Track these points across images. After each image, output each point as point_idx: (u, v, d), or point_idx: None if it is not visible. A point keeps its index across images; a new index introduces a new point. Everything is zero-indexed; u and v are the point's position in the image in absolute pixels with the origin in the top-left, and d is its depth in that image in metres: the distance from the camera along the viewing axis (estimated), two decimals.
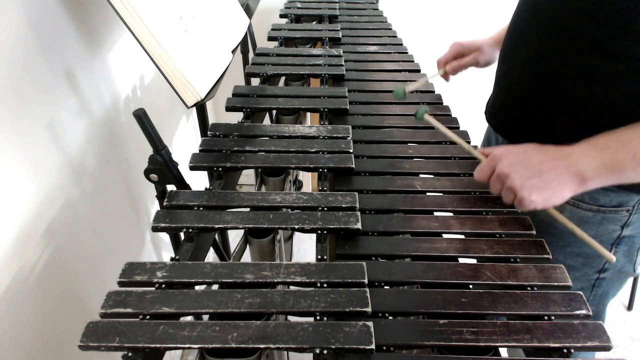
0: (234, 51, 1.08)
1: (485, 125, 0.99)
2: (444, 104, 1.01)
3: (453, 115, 0.98)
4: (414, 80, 1.06)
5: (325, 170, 0.81)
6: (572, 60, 0.70)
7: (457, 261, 0.66)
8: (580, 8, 0.67)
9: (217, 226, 0.69)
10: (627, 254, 0.79)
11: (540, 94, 0.76)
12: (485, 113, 0.93)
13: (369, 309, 0.56)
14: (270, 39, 1.29)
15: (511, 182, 0.62)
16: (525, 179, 0.62)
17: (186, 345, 0.52)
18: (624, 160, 0.59)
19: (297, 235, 1.71)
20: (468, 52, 0.99)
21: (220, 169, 0.81)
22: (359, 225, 0.69)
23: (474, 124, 1.05)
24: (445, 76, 1.03)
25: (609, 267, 0.81)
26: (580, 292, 0.61)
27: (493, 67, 0.91)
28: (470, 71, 1.07)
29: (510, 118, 0.85)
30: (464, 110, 1.18)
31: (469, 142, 0.91)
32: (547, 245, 0.67)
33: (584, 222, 0.76)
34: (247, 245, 0.81)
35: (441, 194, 0.78)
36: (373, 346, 0.52)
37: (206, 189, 0.76)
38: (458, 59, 1.00)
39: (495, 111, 0.89)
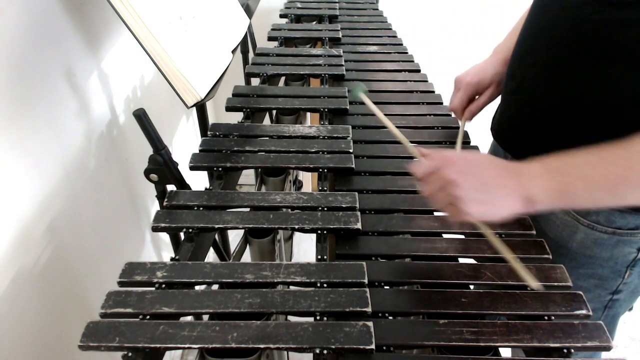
0: (234, 51, 1.08)
1: (484, 125, 0.98)
2: (444, 104, 1.01)
3: (453, 116, 0.98)
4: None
5: (325, 170, 0.81)
6: (582, 80, 0.67)
7: (457, 261, 0.66)
8: (590, 28, 0.65)
9: (217, 226, 0.69)
10: None
11: (551, 112, 0.74)
12: (492, 130, 0.90)
13: (369, 309, 0.56)
14: (270, 39, 1.29)
15: (455, 191, 0.57)
16: (470, 191, 0.57)
17: (186, 345, 0.52)
18: (576, 187, 0.56)
19: (297, 235, 1.71)
20: (481, 89, 0.91)
21: (220, 169, 0.81)
22: (359, 225, 0.69)
23: (474, 124, 1.04)
24: (467, 120, 0.95)
25: (623, 289, 0.79)
26: (581, 292, 0.61)
27: None
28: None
29: (519, 136, 0.82)
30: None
31: (468, 143, 0.91)
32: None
33: (599, 244, 0.75)
34: (247, 245, 0.81)
35: None
36: (373, 346, 0.52)
37: (206, 189, 0.76)
38: (474, 101, 0.92)
39: (503, 128, 0.86)
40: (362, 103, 0.74)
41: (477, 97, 0.92)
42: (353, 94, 0.75)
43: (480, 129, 1.03)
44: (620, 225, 0.72)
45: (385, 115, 0.92)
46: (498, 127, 0.87)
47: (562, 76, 0.70)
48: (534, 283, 0.60)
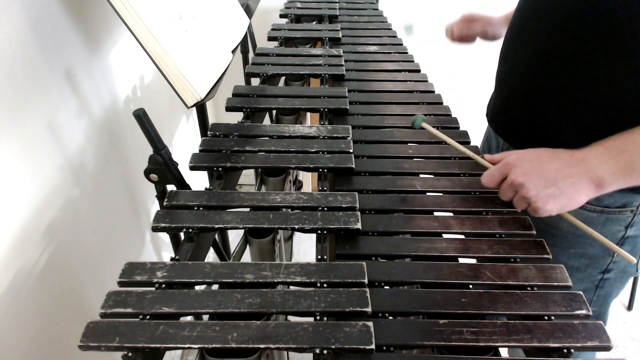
0: (234, 51, 1.08)
1: (484, 125, 0.99)
2: (444, 104, 1.01)
3: (453, 116, 0.98)
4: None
5: (325, 170, 0.81)
6: (574, 60, 0.70)
7: (457, 261, 0.66)
8: (581, 7, 0.66)
9: (217, 226, 0.69)
10: (631, 253, 0.79)
11: (542, 95, 0.75)
12: (487, 115, 0.93)
13: (369, 309, 0.56)
14: (270, 39, 1.29)
15: (526, 192, 0.61)
16: (540, 189, 0.61)
17: (186, 345, 0.52)
18: None
19: (297, 235, 1.71)
20: (476, 20, 1.01)
21: (220, 169, 0.81)
22: (359, 225, 0.69)
23: (474, 124, 1.05)
24: (452, 35, 1.06)
25: (613, 268, 0.80)
26: (581, 292, 0.61)
27: (493, 68, 0.91)
28: (470, 71, 1.07)
29: (511, 120, 0.85)
30: (464, 110, 1.18)
31: (468, 143, 0.91)
32: (550, 247, 0.67)
33: (588, 223, 0.76)
34: (247, 245, 0.81)
35: (441, 194, 0.78)
36: (373, 346, 0.52)
37: (206, 189, 0.76)
38: (467, 23, 1.02)
39: (496, 113, 0.89)
40: (422, 128, 0.80)
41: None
42: (415, 125, 0.79)
43: (475, 115, 1.06)
44: (607, 204, 0.74)
45: (385, 115, 0.93)
46: (492, 112, 0.89)
47: (555, 58, 0.72)
48: (629, 257, 0.64)
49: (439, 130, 0.79)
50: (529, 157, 0.64)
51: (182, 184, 0.79)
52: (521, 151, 0.66)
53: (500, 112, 0.87)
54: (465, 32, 1.01)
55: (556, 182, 0.61)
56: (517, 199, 0.64)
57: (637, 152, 0.59)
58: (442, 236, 0.70)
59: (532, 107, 0.78)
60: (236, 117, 0.96)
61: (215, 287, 0.62)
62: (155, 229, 0.69)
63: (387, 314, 0.58)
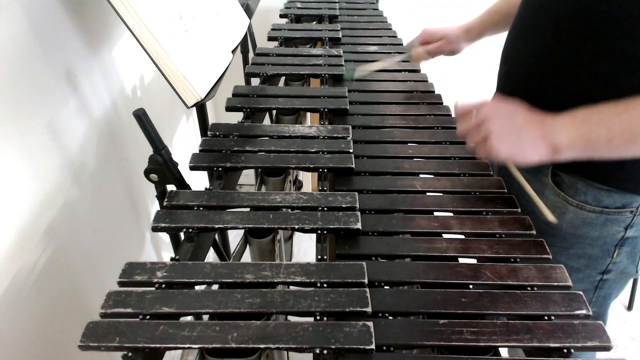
0: (234, 51, 1.08)
1: None
2: (444, 104, 1.01)
3: (453, 116, 0.98)
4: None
5: (325, 170, 0.81)
6: (575, 60, 0.70)
7: (457, 261, 0.66)
8: (581, 7, 0.66)
9: (217, 226, 0.69)
10: (631, 255, 0.79)
11: (544, 94, 0.75)
12: None
13: (369, 309, 0.56)
14: (270, 39, 1.29)
15: (490, 127, 0.65)
16: (504, 130, 0.64)
17: (186, 345, 0.52)
18: (599, 134, 0.61)
19: (297, 235, 1.71)
20: (434, 40, 1.04)
21: (220, 169, 0.81)
22: (359, 225, 0.69)
23: None
24: (410, 58, 1.10)
25: (612, 269, 0.80)
26: (581, 292, 0.61)
27: (493, 68, 0.91)
28: (470, 70, 1.07)
29: None
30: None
31: None
32: (550, 247, 0.67)
33: (588, 223, 0.77)
34: (247, 245, 0.81)
35: (441, 194, 0.78)
36: (373, 346, 0.52)
37: (206, 189, 0.76)
38: (424, 46, 1.06)
39: None
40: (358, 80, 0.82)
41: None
42: (346, 77, 0.80)
43: None
44: (607, 205, 0.74)
45: (385, 115, 0.93)
46: None
47: (556, 57, 0.72)
48: (551, 217, 0.68)
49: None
50: (507, 103, 0.68)
51: (182, 184, 0.79)
52: (501, 99, 0.70)
53: None
54: (422, 55, 1.07)
55: (520, 131, 0.65)
56: (477, 130, 0.66)
57: (598, 126, 0.61)
58: (442, 236, 0.70)
59: (534, 107, 0.77)
60: (236, 117, 0.96)
61: (215, 287, 0.62)
62: (155, 229, 0.69)
63: (387, 314, 0.58)
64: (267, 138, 0.87)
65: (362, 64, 1.09)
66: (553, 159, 0.64)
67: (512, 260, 0.66)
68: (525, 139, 0.64)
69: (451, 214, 0.74)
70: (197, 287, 0.61)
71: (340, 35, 1.29)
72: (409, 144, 0.89)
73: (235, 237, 1.60)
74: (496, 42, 0.94)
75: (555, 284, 0.62)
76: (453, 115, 0.74)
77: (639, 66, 0.64)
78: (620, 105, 0.61)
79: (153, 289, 0.60)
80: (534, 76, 0.77)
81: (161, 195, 0.82)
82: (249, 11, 1.31)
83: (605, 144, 0.61)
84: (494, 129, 0.64)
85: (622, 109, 0.61)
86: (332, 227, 0.69)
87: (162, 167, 0.77)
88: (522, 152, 0.64)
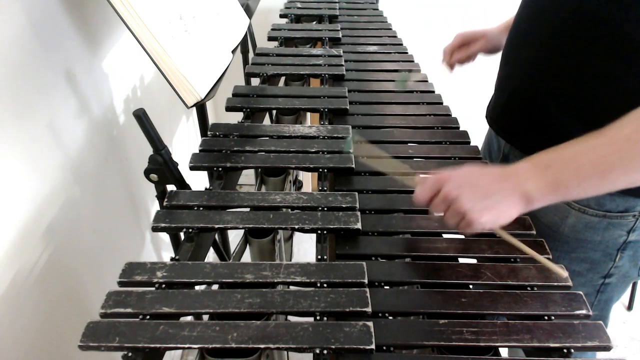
0: (234, 51, 1.08)
1: (484, 125, 0.99)
2: (444, 104, 1.01)
3: (453, 116, 0.98)
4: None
5: (325, 170, 0.81)
6: (575, 62, 0.70)
7: (457, 261, 0.66)
8: (581, 10, 0.66)
9: (217, 226, 0.69)
10: (633, 258, 0.79)
11: (544, 97, 0.75)
12: (487, 117, 0.92)
13: (369, 309, 0.56)
14: (270, 39, 1.29)
15: (460, 205, 0.60)
16: (475, 202, 0.59)
17: (186, 345, 0.52)
18: (567, 179, 0.57)
19: (297, 235, 1.71)
20: (473, 40, 0.98)
21: (220, 169, 0.81)
22: (359, 225, 0.69)
23: (474, 125, 1.05)
24: (450, 66, 1.03)
25: (614, 273, 0.80)
26: (580, 292, 0.61)
27: (494, 69, 0.91)
28: (471, 70, 1.06)
29: (512, 122, 0.84)
30: (464, 111, 1.18)
31: (468, 143, 0.91)
32: (552, 251, 0.67)
33: (590, 227, 0.76)
34: (247, 245, 0.81)
35: None
36: (373, 346, 0.52)
37: (206, 189, 0.76)
38: (464, 47, 0.99)
39: (497, 115, 0.88)
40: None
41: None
42: (400, 82, 0.76)
43: (475, 116, 1.05)
44: (610, 209, 0.73)
45: (385, 115, 0.92)
46: (493, 114, 0.89)
47: (557, 60, 0.72)
48: (564, 273, 0.62)
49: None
50: (460, 172, 0.63)
51: (182, 184, 0.79)
52: (453, 170, 0.64)
53: (502, 114, 0.86)
54: (464, 58, 1.00)
55: (490, 194, 0.60)
56: (450, 213, 0.61)
57: (562, 169, 0.58)
58: (442, 236, 0.70)
59: (534, 109, 0.77)
60: (236, 117, 0.96)
61: (215, 287, 0.62)
62: (155, 229, 0.69)
63: (387, 314, 0.58)
64: (267, 138, 0.87)
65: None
66: (530, 209, 0.60)
67: (512, 260, 0.66)
68: (500, 200, 0.59)
69: None
70: (197, 287, 0.61)
71: (340, 35, 1.29)
72: (409, 144, 0.89)
73: (235, 237, 1.60)
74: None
75: (555, 284, 0.63)
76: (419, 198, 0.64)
77: (638, 69, 0.64)
78: (582, 145, 0.58)
79: (153, 289, 0.60)
80: (534, 78, 0.77)
81: (161, 195, 0.82)
82: (249, 11, 1.31)
83: (576, 187, 0.58)
84: (466, 205, 0.59)
85: (586, 149, 0.58)
86: (332, 227, 0.69)
87: (162, 167, 0.77)
88: (503, 214, 0.60)
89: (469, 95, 1.69)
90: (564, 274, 0.62)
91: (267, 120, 1.06)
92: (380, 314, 0.58)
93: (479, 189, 0.60)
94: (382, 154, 0.77)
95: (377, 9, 1.57)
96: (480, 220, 0.59)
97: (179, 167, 0.80)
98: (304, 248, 1.93)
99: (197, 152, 0.84)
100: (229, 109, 0.98)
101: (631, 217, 0.74)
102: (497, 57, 0.91)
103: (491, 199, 0.59)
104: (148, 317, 0.56)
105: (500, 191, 0.60)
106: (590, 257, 0.79)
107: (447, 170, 0.63)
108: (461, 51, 0.99)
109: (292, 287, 0.61)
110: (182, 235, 0.71)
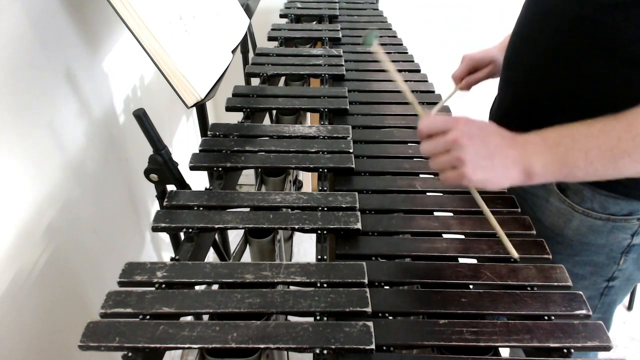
0: (234, 51, 1.08)
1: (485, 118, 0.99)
2: (445, 104, 1.01)
3: (453, 115, 0.98)
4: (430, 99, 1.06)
5: (325, 170, 0.81)
6: (577, 66, 0.69)
7: (457, 261, 0.66)
8: (582, 15, 0.66)
9: (217, 226, 0.69)
10: (637, 261, 0.78)
11: (546, 100, 0.75)
12: (490, 119, 0.92)
13: (369, 309, 0.56)
14: (270, 39, 1.29)
15: (461, 155, 0.57)
16: (477, 157, 0.58)
17: (186, 345, 0.52)
18: (576, 159, 0.57)
19: (297, 235, 1.71)
20: (481, 65, 0.97)
21: (220, 169, 0.81)
22: (359, 225, 0.69)
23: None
24: (464, 89, 1.00)
25: (618, 276, 0.80)
26: (580, 292, 0.61)
27: None
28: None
29: (515, 125, 0.83)
30: (468, 113, 1.17)
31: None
32: (555, 254, 0.67)
33: (594, 230, 0.76)
34: (247, 245, 0.81)
35: (441, 194, 0.78)
36: (373, 346, 0.52)
37: (206, 189, 0.76)
38: (473, 74, 0.98)
39: (500, 118, 0.88)
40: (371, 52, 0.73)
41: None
42: (367, 42, 0.72)
43: (475, 115, 1.04)
44: (614, 212, 0.73)
45: (385, 115, 0.92)
46: (495, 117, 0.89)
47: (559, 63, 0.71)
48: (515, 254, 0.64)
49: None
50: (477, 124, 0.61)
51: (182, 184, 0.79)
52: (470, 118, 0.62)
53: (505, 117, 0.86)
54: (472, 82, 0.98)
55: (493, 156, 0.58)
56: (446, 157, 0.59)
57: (572, 147, 0.57)
58: (442, 236, 0.70)
59: (537, 112, 0.77)
60: (236, 117, 0.96)
61: (215, 287, 0.62)
62: (155, 229, 0.69)
63: (387, 314, 0.58)
64: (267, 138, 0.87)
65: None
66: (525, 183, 0.60)
67: (512, 260, 0.66)
68: (498, 164, 0.58)
69: (451, 214, 0.74)
70: (197, 287, 0.61)
71: (340, 35, 1.29)
72: (409, 144, 0.89)
73: (235, 237, 1.60)
74: (495, 41, 0.94)
75: (555, 284, 0.63)
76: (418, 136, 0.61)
77: (639, 74, 0.64)
78: (595, 126, 0.58)
79: (153, 289, 0.60)
80: (536, 82, 0.76)
81: (161, 195, 0.82)
82: (249, 11, 1.31)
83: (583, 169, 0.57)
84: (467, 157, 0.57)
85: (599, 131, 0.57)
86: (332, 227, 0.69)
87: (162, 167, 0.77)
88: (495, 179, 0.58)
89: (472, 97, 1.69)
90: (515, 255, 0.64)
91: (267, 120, 1.06)
92: (380, 314, 0.58)
93: (486, 147, 0.59)
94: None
95: (377, 9, 1.57)
96: (472, 177, 0.57)
97: (179, 167, 0.80)
98: (304, 248, 1.93)
99: (197, 152, 0.84)
100: (229, 109, 0.98)
101: (635, 221, 0.74)
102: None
103: (492, 161, 0.58)
104: (148, 317, 0.56)
105: (504, 157, 0.59)
106: (594, 260, 0.79)
107: (464, 117, 0.61)
108: (469, 78, 0.98)
109: (292, 287, 0.61)
110: (182, 235, 0.71)
